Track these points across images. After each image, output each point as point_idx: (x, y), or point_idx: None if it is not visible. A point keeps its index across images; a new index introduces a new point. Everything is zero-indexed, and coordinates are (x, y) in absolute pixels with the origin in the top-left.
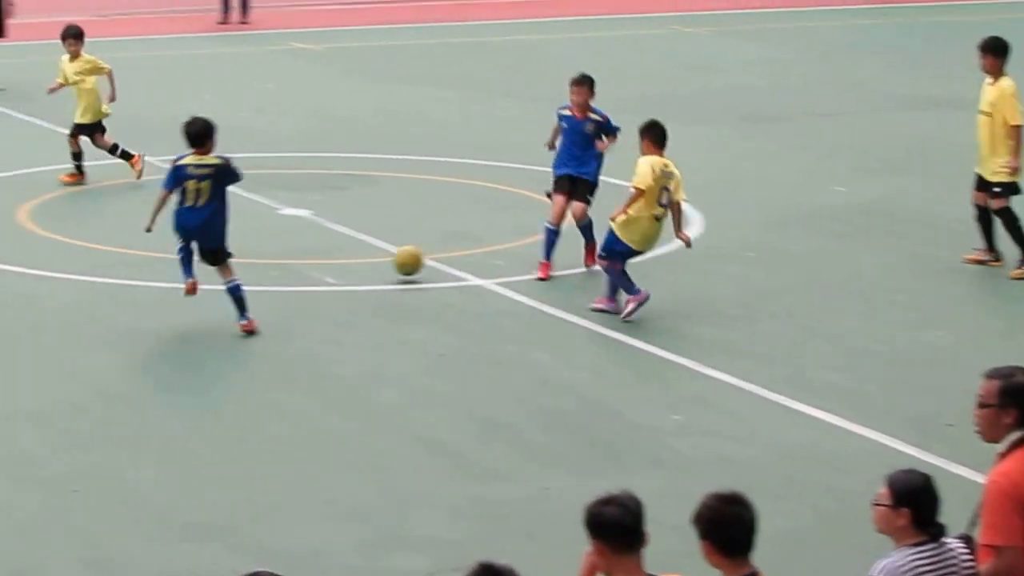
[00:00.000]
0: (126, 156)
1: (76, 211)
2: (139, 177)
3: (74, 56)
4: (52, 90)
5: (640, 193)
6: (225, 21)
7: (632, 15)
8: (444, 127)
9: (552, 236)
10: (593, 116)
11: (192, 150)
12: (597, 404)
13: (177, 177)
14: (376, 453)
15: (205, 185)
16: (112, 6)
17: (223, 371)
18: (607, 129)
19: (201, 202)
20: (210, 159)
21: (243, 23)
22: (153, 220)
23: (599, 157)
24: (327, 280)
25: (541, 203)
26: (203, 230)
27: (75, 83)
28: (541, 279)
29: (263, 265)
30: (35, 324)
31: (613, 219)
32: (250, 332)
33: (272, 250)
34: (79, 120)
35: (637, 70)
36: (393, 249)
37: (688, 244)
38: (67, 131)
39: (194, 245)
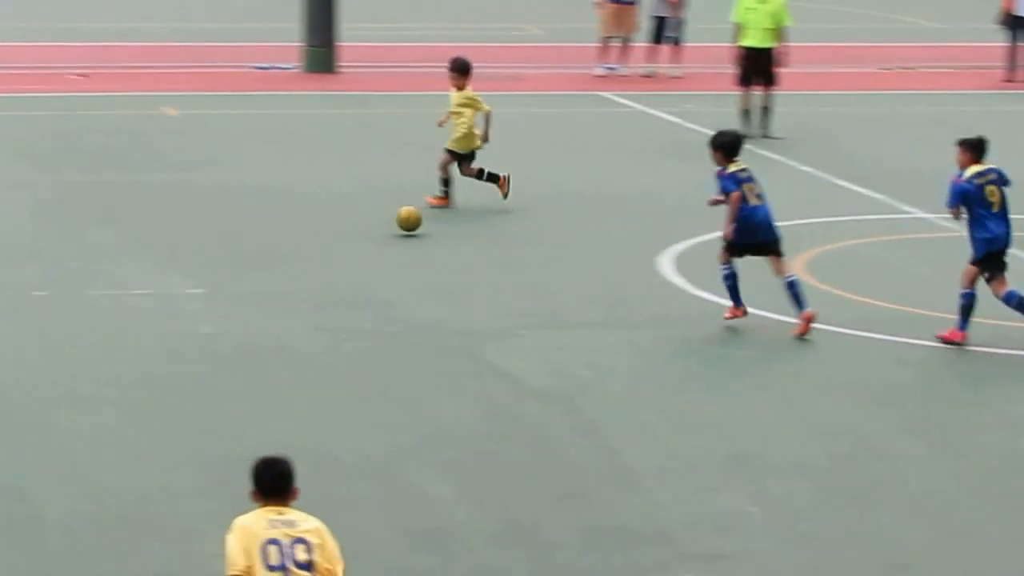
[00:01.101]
0: (493, 179)
1: (852, 263)
2: (505, 197)
3: (459, 89)
4: (441, 123)
5: None
6: (1011, 79)
7: None
8: None
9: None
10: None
11: (729, 160)
12: None
13: (737, 183)
14: None
15: (755, 187)
16: (897, 59)
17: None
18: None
19: (757, 201)
20: (742, 163)
21: None
22: (731, 224)
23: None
24: None
25: None
26: (767, 224)
27: (455, 113)
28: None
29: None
30: (814, 378)
31: None
32: (809, 321)
33: None
34: (449, 146)
35: None
36: None
37: None
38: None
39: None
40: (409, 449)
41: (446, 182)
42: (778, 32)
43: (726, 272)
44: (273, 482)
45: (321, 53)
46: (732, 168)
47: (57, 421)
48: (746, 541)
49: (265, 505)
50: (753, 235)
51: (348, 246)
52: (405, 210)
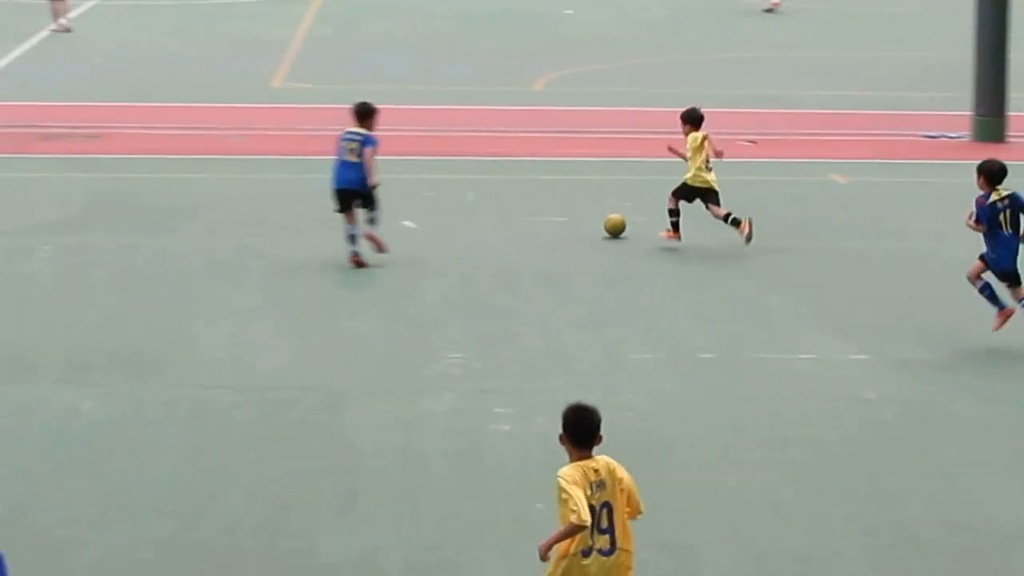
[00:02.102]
0: (735, 223)
1: None
2: (748, 242)
3: (686, 134)
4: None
5: None
6: None
7: None
8: None
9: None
10: None
11: (992, 187)
12: None
13: (991, 213)
14: None
15: (1008, 215)
16: None
17: None
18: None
19: (1011, 229)
20: (1003, 191)
21: None
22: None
23: None
24: None
25: None
26: (1015, 254)
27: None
28: None
29: None
30: None
31: None
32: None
33: None
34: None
35: None
36: None
37: None
38: None
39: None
40: None
41: (672, 213)
42: None
43: (981, 285)
44: (584, 430)
45: (991, 123)
46: (993, 197)
47: (720, 480)
48: None
49: (574, 451)
50: (1001, 261)
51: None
52: (612, 218)
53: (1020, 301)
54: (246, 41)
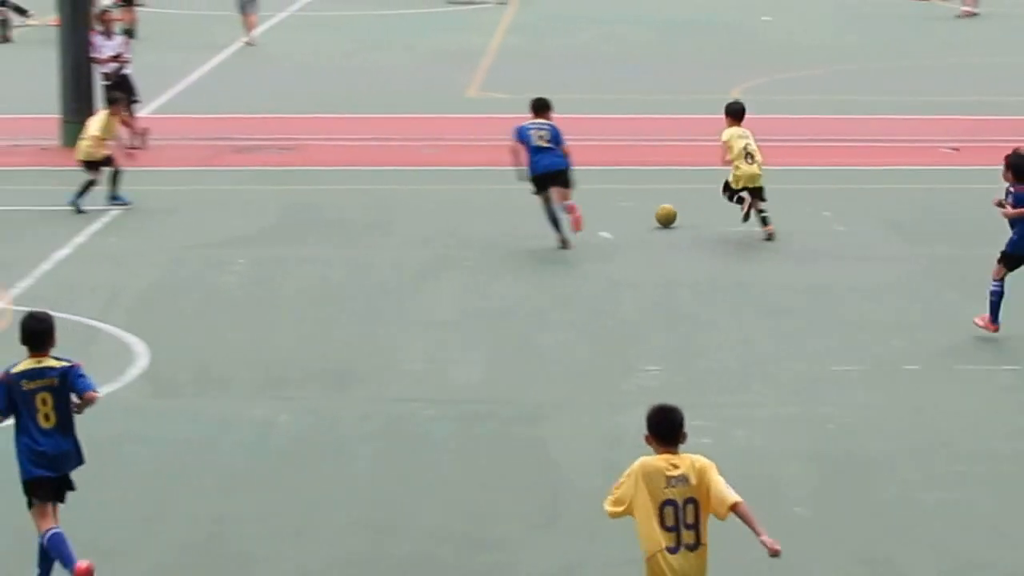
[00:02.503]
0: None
1: None
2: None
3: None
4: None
5: None
6: None
7: None
8: None
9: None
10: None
11: (1016, 180)
12: None
13: None
14: None
15: None
16: None
17: None
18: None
19: None
20: None
21: None
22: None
23: None
24: None
25: None
26: None
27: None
28: None
29: None
30: None
31: None
32: None
33: None
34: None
35: None
36: None
37: None
38: None
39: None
40: None
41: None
42: None
43: (996, 288)
44: (667, 429)
45: None
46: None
47: (926, 495)
48: None
49: (659, 449)
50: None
51: None
52: (664, 208)
53: None
54: (439, 51)
